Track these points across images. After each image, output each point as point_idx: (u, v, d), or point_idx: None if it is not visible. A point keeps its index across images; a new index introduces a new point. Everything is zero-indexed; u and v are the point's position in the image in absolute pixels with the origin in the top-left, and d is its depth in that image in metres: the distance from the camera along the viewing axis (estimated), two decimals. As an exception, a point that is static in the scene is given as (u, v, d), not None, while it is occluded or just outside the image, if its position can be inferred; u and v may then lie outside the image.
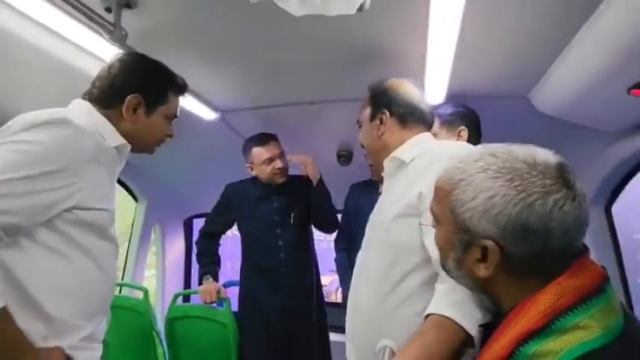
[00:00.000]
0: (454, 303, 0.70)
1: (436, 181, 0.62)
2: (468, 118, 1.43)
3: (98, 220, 0.84)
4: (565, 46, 1.23)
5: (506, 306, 0.57)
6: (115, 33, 1.00)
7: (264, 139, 1.84)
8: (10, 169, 0.70)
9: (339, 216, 2.06)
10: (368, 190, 1.94)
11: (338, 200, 2.13)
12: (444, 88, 1.48)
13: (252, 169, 1.89)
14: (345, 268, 1.94)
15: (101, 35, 1.01)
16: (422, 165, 0.92)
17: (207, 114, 1.82)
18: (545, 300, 0.51)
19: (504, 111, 1.63)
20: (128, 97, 0.90)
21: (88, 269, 0.84)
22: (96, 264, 0.86)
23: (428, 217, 0.66)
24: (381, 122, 1.02)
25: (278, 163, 1.83)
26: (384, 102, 1.03)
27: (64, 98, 0.91)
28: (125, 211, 2.66)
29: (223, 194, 1.99)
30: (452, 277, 0.64)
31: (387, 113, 1.02)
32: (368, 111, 1.06)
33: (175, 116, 1.02)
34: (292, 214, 1.89)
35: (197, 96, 1.66)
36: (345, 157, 2.30)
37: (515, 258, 0.53)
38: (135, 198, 2.49)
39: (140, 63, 0.96)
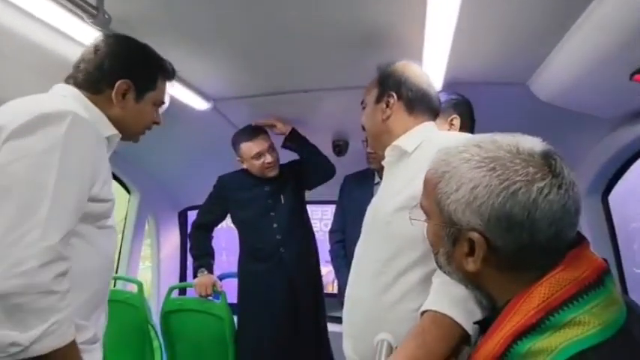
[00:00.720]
0: (453, 300, 0.68)
1: (425, 175, 0.60)
2: (461, 106, 1.40)
3: (102, 210, 0.83)
4: (566, 32, 1.20)
5: (499, 302, 0.55)
6: (98, 17, 0.95)
7: (252, 133, 1.82)
8: (49, 188, 0.68)
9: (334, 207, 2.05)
10: (363, 181, 1.93)
11: (333, 191, 2.11)
12: (440, 75, 1.44)
13: (242, 162, 1.88)
14: (341, 259, 1.93)
15: (83, 19, 0.96)
16: (425, 156, 0.87)
17: (199, 103, 1.77)
18: (538, 295, 0.49)
19: (502, 98, 1.60)
20: (118, 83, 0.87)
21: (91, 261, 0.82)
22: (99, 254, 0.84)
23: (419, 213, 0.65)
24: (387, 105, 0.98)
25: (267, 158, 1.81)
26: (392, 84, 0.99)
27: (43, 84, 0.87)
28: (118, 203, 2.61)
29: (216, 185, 1.99)
30: (444, 272, 0.62)
31: (395, 96, 0.98)
32: (375, 92, 1.02)
33: (162, 102, 0.99)
34: (282, 195, 1.89)
35: (188, 85, 1.62)
36: (340, 147, 2.27)
37: (502, 251, 0.51)
38: (127, 190, 2.44)
39: (129, 46, 0.92)
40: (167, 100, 1.07)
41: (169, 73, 0.99)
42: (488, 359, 0.50)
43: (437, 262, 0.63)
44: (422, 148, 0.92)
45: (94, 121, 0.83)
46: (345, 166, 2.07)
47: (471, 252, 0.54)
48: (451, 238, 0.56)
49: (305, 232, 1.95)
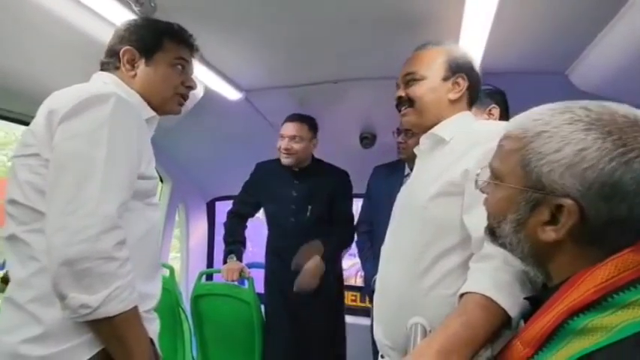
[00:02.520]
0: (498, 284, 0.67)
1: (504, 135, 0.57)
2: (498, 96, 1.38)
3: (149, 187, 0.87)
4: (610, 20, 1.16)
5: (556, 279, 0.54)
6: (145, 5, 1.00)
7: (292, 116, 1.85)
8: (101, 162, 0.73)
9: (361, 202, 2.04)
10: (392, 173, 1.91)
11: (361, 185, 2.11)
12: (477, 64, 1.41)
13: None
14: (367, 250, 1.93)
15: (131, 8, 1.01)
16: (467, 142, 0.87)
17: (232, 94, 1.81)
18: (602, 274, 0.47)
19: (539, 88, 1.53)
20: (121, 51, 0.89)
21: (145, 232, 0.87)
22: (151, 226, 0.88)
23: (486, 175, 0.61)
24: (456, 86, 0.95)
25: (284, 143, 1.82)
26: (465, 65, 0.95)
27: (88, 70, 0.92)
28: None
29: (253, 173, 2.00)
30: (500, 243, 0.59)
31: (466, 78, 0.94)
32: (443, 68, 0.95)
33: (182, 59, 0.96)
34: (310, 207, 1.88)
35: (221, 74, 1.66)
36: (368, 139, 2.27)
37: (590, 222, 0.48)
38: (160, 178, 2.54)
39: (135, 21, 0.94)
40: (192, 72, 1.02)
41: (176, 32, 0.96)
42: (540, 335, 0.49)
43: (493, 232, 0.60)
44: (459, 137, 0.91)
45: (135, 104, 0.87)
46: (371, 159, 2.06)
47: (552, 220, 0.51)
48: (530, 204, 0.52)
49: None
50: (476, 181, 0.64)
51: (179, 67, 0.96)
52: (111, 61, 0.91)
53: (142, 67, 0.91)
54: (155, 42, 0.92)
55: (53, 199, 0.71)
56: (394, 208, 1.08)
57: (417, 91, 0.96)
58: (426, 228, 0.89)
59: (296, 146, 1.82)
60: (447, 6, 1.13)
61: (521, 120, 0.56)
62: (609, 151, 0.47)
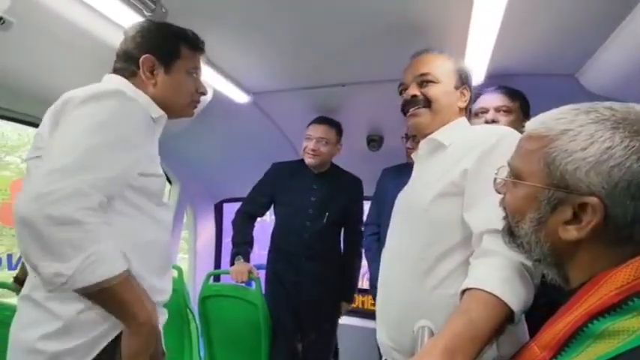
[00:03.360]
0: (499, 279, 0.67)
1: (525, 134, 0.58)
2: (521, 100, 1.35)
3: (156, 186, 0.88)
4: (621, 20, 1.14)
5: (576, 280, 0.53)
6: (156, 11, 1.02)
7: (320, 118, 1.87)
8: (88, 140, 0.73)
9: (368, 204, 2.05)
10: (400, 175, 1.89)
11: (367, 187, 2.11)
12: (484, 66, 1.41)
13: None
14: (374, 251, 1.93)
15: (142, 13, 1.03)
16: (465, 145, 0.90)
17: (240, 96, 1.83)
18: (623, 276, 0.47)
19: (549, 91, 1.53)
20: (141, 59, 0.90)
21: (157, 233, 0.88)
22: (161, 227, 0.90)
23: (504, 173, 0.62)
24: (463, 96, 1.01)
25: (310, 144, 1.83)
26: (467, 79, 1.02)
27: (100, 73, 0.93)
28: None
29: (268, 172, 1.99)
30: (518, 243, 0.59)
31: (469, 93, 1.01)
32: (454, 77, 0.99)
33: (197, 69, 0.99)
34: (327, 214, 1.88)
35: (229, 77, 1.68)
36: (375, 142, 2.26)
37: (613, 221, 0.48)
38: (169, 180, 2.56)
39: (148, 26, 0.95)
40: (203, 76, 1.04)
41: (192, 40, 0.97)
42: (558, 338, 0.48)
43: (510, 232, 0.60)
44: (458, 142, 0.94)
45: (143, 104, 0.88)
46: (380, 160, 2.06)
47: (574, 219, 0.50)
48: (552, 203, 0.52)
49: (332, 253, 1.94)
50: (495, 180, 0.64)
51: (194, 74, 0.98)
52: (126, 66, 0.91)
53: (161, 75, 0.92)
54: (173, 50, 0.93)
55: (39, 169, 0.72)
56: (393, 212, 1.08)
57: (435, 92, 0.97)
58: (428, 229, 0.90)
59: (323, 149, 1.83)
60: (455, 10, 1.13)
61: (541, 120, 0.56)
62: (636, 149, 0.47)
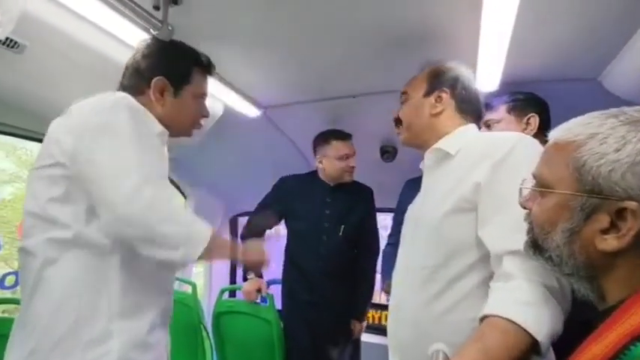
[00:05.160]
0: (517, 303, 0.61)
1: (551, 142, 0.54)
2: (540, 105, 1.29)
3: None
4: (645, 18, 1.08)
5: (612, 296, 0.48)
6: (163, 29, 1.03)
7: (344, 134, 1.83)
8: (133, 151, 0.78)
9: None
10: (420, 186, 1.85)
11: (383, 199, 2.06)
12: (497, 74, 1.36)
13: (321, 162, 1.85)
14: (391, 257, 1.86)
15: (149, 32, 1.05)
16: (474, 155, 0.84)
17: (251, 111, 1.83)
18: None
19: (569, 97, 1.45)
20: (153, 81, 0.90)
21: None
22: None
23: (529, 184, 0.58)
24: (437, 100, 0.96)
25: (351, 162, 1.81)
26: (447, 80, 0.97)
27: (107, 90, 0.93)
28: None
29: (276, 186, 1.95)
30: (546, 257, 0.54)
31: (449, 92, 0.95)
32: (424, 85, 0.99)
33: (204, 94, 1.00)
34: (343, 227, 1.84)
35: (240, 92, 1.69)
36: (389, 153, 2.22)
37: None
38: (183, 195, 2.59)
39: (162, 45, 0.96)
40: (209, 92, 1.06)
41: (205, 65, 0.98)
42: None
43: (538, 245, 0.55)
44: (465, 150, 0.88)
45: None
46: (394, 172, 2.02)
47: (612, 227, 0.46)
48: (586, 210, 0.48)
49: (347, 269, 1.88)
50: (520, 192, 0.60)
51: (201, 99, 0.99)
52: (134, 83, 0.92)
53: (169, 98, 0.93)
54: (185, 75, 0.94)
55: (95, 200, 0.77)
56: (404, 228, 1.03)
57: (404, 110, 1.02)
58: (440, 247, 0.84)
59: (354, 163, 1.83)
60: (464, 15, 1.10)
61: (567, 126, 0.53)
62: None
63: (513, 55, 1.22)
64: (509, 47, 1.17)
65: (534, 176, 0.56)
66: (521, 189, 0.60)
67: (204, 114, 1.01)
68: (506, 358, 0.58)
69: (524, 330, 0.59)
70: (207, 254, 0.81)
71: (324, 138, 1.83)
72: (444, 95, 0.95)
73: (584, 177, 0.48)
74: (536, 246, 0.56)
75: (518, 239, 0.60)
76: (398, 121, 1.04)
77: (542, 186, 0.55)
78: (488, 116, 1.28)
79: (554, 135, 0.54)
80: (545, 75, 1.41)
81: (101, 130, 0.77)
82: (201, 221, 0.84)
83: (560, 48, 1.26)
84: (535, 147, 0.77)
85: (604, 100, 1.39)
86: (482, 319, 0.65)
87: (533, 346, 0.59)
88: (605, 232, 0.47)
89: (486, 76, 1.37)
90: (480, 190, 0.78)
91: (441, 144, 0.93)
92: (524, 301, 0.61)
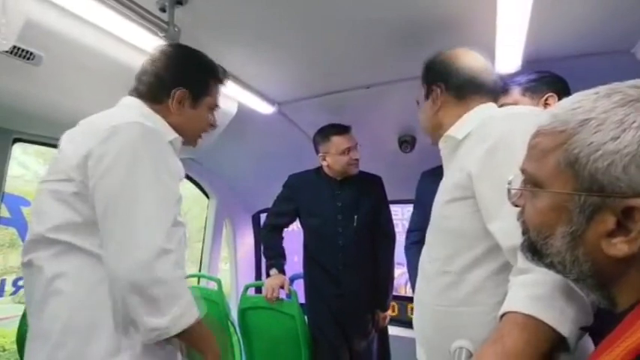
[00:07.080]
0: (537, 298, 0.57)
1: (535, 132, 0.47)
2: (556, 84, 1.20)
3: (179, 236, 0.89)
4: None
5: (621, 305, 0.43)
6: (170, 31, 1.04)
7: (343, 128, 1.80)
8: (140, 197, 0.76)
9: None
10: (440, 177, 1.79)
11: (402, 190, 2.01)
12: (518, 53, 1.27)
13: (324, 159, 1.84)
14: (415, 263, 1.81)
15: (156, 34, 1.05)
16: (473, 139, 0.80)
17: (265, 108, 1.83)
18: None
19: (601, 71, 1.35)
20: (174, 91, 0.91)
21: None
22: (178, 248, 0.89)
23: (517, 183, 0.51)
24: (435, 97, 0.93)
25: (355, 154, 1.79)
26: (437, 75, 0.95)
27: (116, 93, 0.94)
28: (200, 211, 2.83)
29: (286, 185, 1.97)
30: (547, 263, 0.48)
31: (442, 86, 0.92)
32: (423, 87, 0.99)
33: (217, 106, 1.01)
34: (356, 217, 1.82)
35: (254, 90, 1.68)
36: (407, 142, 2.16)
37: None
38: (206, 195, 2.64)
39: (183, 55, 0.96)
40: (221, 102, 1.07)
41: (221, 78, 1.00)
42: None
43: (540, 251, 0.48)
44: (473, 133, 0.83)
45: (157, 128, 0.88)
46: (414, 162, 1.96)
47: (619, 229, 0.40)
48: (587, 211, 0.41)
49: (367, 259, 1.86)
50: (508, 192, 0.53)
51: (214, 110, 1.01)
52: (153, 93, 0.91)
53: (187, 108, 0.94)
54: (205, 87, 0.96)
55: (105, 240, 0.75)
56: (431, 220, 1.00)
57: (419, 117, 1.03)
58: (447, 238, 0.82)
59: (358, 155, 1.81)
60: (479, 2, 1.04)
61: (553, 112, 0.45)
62: None
63: (534, 30, 1.14)
64: (529, 24, 1.09)
65: (522, 172, 0.49)
66: (509, 187, 0.53)
67: (213, 124, 1.02)
68: (528, 356, 0.54)
69: (545, 324, 0.55)
70: (188, 335, 0.79)
71: (323, 135, 1.81)
72: (438, 90, 0.94)
73: (580, 173, 0.41)
74: (534, 251, 0.49)
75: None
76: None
77: (533, 184, 0.47)
78: (503, 100, 1.21)
79: (537, 122, 0.47)
80: (572, 50, 1.32)
81: (121, 161, 0.76)
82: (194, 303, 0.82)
83: (585, 20, 1.17)
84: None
85: (637, 72, 1.28)
86: (502, 317, 0.61)
87: (560, 341, 0.55)
88: (611, 234, 0.40)
89: (506, 56, 1.30)
90: (474, 178, 0.74)
91: (450, 131, 0.90)
92: (540, 294, 0.57)
